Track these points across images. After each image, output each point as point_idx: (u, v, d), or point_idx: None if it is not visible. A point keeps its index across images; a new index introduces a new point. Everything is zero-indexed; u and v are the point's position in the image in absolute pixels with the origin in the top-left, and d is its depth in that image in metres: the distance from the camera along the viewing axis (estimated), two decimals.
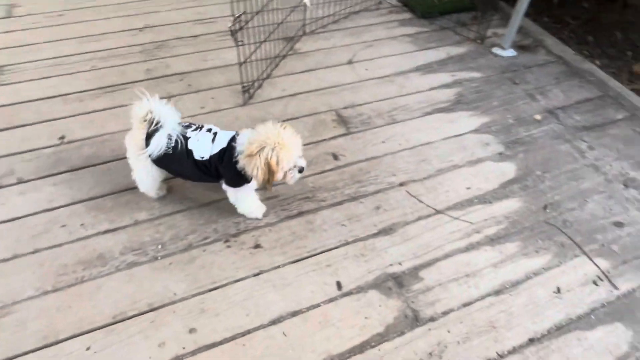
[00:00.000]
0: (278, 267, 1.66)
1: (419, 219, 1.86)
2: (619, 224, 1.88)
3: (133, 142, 1.61)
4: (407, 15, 3.24)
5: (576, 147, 2.22)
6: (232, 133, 1.61)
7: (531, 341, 1.50)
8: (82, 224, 1.76)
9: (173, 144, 1.55)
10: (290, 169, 1.55)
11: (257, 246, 1.72)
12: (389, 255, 1.72)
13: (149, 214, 1.81)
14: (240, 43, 2.01)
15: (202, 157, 1.58)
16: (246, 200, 1.77)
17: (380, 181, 2.00)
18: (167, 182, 1.88)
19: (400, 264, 1.70)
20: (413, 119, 2.34)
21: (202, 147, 1.58)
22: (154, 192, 1.82)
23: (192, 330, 1.46)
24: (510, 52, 2.84)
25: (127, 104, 2.29)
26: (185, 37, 2.89)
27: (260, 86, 2.47)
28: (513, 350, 1.47)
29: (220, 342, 1.44)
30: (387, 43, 2.92)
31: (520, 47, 2.92)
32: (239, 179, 1.62)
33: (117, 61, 2.66)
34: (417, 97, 2.48)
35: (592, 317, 1.57)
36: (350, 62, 2.72)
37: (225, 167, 1.58)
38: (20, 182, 1.92)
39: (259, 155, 1.46)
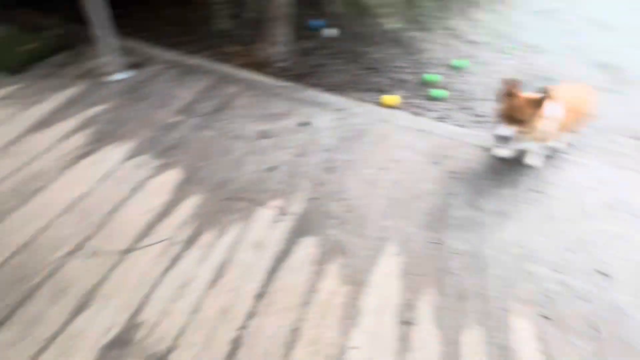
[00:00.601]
0: None
1: (111, 271, 1.72)
2: (272, 168, 2.31)
3: None
4: None
5: (217, 129, 2.54)
6: None
7: (259, 296, 1.69)
8: None
9: None
10: None
11: None
12: (98, 327, 1.53)
13: None
14: None
15: None
16: None
17: (48, 262, 1.72)
18: None
19: (115, 325, 1.54)
20: (55, 180, 2.09)
21: None
22: None
23: None
24: (124, 75, 2.90)
25: None
26: None
27: None
28: (250, 315, 1.62)
29: None
30: None
31: (134, 66, 3.01)
32: None
33: None
34: (49, 156, 2.21)
35: (287, 246, 1.90)
36: None
37: None
38: None
39: None
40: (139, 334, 1.52)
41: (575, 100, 2.49)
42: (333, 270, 1.83)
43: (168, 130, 2.48)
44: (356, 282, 1.79)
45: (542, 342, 1.66)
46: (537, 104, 2.22)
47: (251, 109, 2.74)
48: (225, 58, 3.32)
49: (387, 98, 3.06)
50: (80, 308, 1.58)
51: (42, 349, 1.45)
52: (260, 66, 3.25)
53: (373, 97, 3.16)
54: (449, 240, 2.04)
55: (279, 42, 3.25)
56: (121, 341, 1.50)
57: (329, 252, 1.90)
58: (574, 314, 1.78)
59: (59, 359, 1.43)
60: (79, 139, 2.35)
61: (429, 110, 3.13)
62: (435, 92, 3.25)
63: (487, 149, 2.65)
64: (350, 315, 1.67)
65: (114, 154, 2.27)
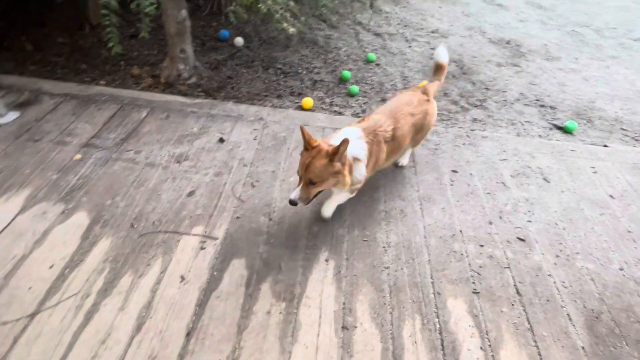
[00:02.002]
0: None
1: (16, 339, 1.52)
2: (191, 193, 2.19)
3: None
4: None
5: (127, 159, 2.37)
6: None
7: (190, 334, 1.58)
8: None
9: None
10: None
11: None
12: None
13: None
14: None
15: None
16: None
17: None
18: None
19: None
20: None
21: None
22: None
23: None
24: (12, 116, 2.60)
25: None
26: None
27: None
28: (182, 356, 1.51)
29: None
30: None
31: (21, 105, 2.72)
32: None
33: None
34: None
35: (215, 273, 1.81)
36: None
37: None
38: None
39: None
40: None
41: (406, 115, 2.07)
42: (267, 288, 1.77)
43: (69, 171, 2.26)
44: (292, 296, 1.75)
45: (475, 318, 1.72)
46: (334, 157, 1.69)
47: (163, 133, 2.59)
48: (129, 82, 3.12)
49: (306, 101, 3.05)
50: None
51: None
52: (169, 86, 3.08)
53: (293, 102, 3.14)
54: (379, 235, 2.06)
55: (185, 59, 3.11)
56: None
57: (261, 271, 1.84)
58: (500, 284, 1.87)
59: None
60: None
61: (348, 107, 3.16)
62: (352, 88, 3.30)
63: None
64: (290, 332, 1.62)
65: (8, 206, 2.03)
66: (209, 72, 3.31)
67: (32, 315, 1.60)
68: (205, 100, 2.96)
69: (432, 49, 4.12)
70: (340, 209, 2.16)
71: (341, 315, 1.69)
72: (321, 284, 1.80)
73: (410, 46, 4.16)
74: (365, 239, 2.03)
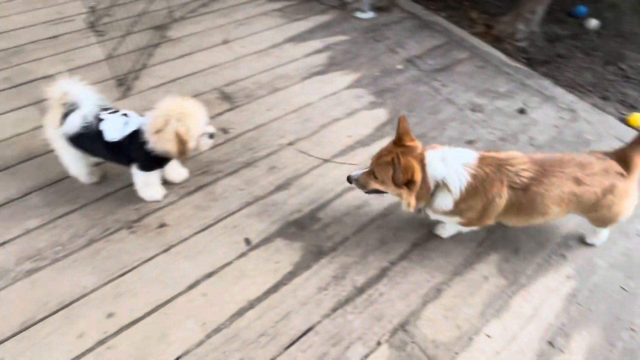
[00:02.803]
0: (186, 239, 1.74)
1: (310, 170, 2.06)
2: (470, 142, 2.28)
3: (49, 121, 1.63)
4: None
5: (433, 87, 2.60)
6: (144, 118, 1.64)
7: (415, 245, 1.80)
8: None
9: (87, 124, 1.58)
10: (200, 136, 1.64)
11: (162, 225, 1.78)
12: (288, 206, 1.90)
13: (40, 220, 1.76)
14: (101, 33, 1.98)
15: (113, 139, 1.61)
16: (152, 184, 1.81)
17: (271, 145, 2.16)
18: (102, 169, 1.91)
19: (299, 211, 1.89)
20: (293, 85, 2.53)
21: (114, 129, 1.62)
22: (85, 176, 1.83)
23: (110, 315, 1.50)
24: (369, 14, 3.16)
25: None
26: (42, 39, 2.70)
27: (137, 77, 2.45)
28: (401, 257, 1.76)
29: (142, 317, 1.50)
30: (258, 19, 3.05)
31: (378, 9, 3.25)
32: (152, 162, 1.67)
33: None
34: (294, 65, 2.67)
35: None
36: (225, 42, 2.81)
37: (137, 151, 1.62)
38: None
39: (167, 128, 1.52)
40: (314, 226, 1.83)
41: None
42: (494, 258, 1.79)
43: (389, 74, 2.66)
44: (513, 281, 1.72)
45: None
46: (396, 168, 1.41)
47: (471, 79, 2.69)
48: (464, 23, 3.25)
49: (637, 116, 2.56)
50: (282, 187, 1.98)
51: (249, 203, 1.90)
52: (497, 40, 3.08)
53: (618, 110, 2.69)
54: None
55: (529, 20, 2.99)
56: (301, 224, 1.84)
57: (496, 242, 1.85)
58: None
59: (258, 216, 1.86)
60: (318, 59, 2.74)
61: None
62: None
63: None
64: (496, 306, 1.64)
65: (341, 79, 2.59)
66: (543, 42, 3.11)
67: (325, 160, 2.11)
68: (523, 68, 2.85)
69: None
70: (611, 243, 1.88)
71: (554, 331, 1.58)
72: (550, 292, 1.70)
73: None
74: (624, 288, 1.74)
